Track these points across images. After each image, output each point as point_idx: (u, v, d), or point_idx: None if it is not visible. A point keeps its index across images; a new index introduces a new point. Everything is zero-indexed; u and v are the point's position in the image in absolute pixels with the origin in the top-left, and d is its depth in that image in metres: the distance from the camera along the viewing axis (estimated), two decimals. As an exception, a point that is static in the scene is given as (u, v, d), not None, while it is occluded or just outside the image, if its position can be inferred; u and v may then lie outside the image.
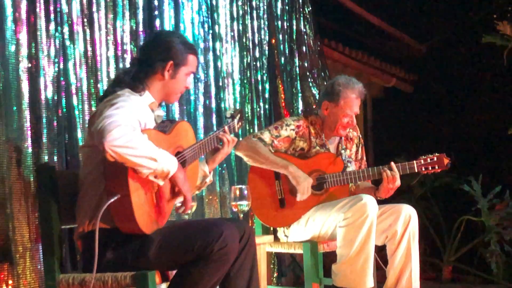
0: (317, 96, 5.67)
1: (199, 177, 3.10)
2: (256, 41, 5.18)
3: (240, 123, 3.22)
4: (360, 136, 4.14)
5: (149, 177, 2.56)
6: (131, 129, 2.48)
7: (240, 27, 5.01)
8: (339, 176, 3.78)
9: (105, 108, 2.57)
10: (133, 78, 2.81)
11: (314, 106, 5.57)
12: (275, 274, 4.97)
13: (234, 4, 4.94)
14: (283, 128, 3.86)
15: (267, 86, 5.28)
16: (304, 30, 5.73)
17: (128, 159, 2.46)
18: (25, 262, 3.23)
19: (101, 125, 2.44)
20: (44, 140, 3.39)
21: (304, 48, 5.70)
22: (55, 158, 3.43)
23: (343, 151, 3.98)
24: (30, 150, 3.31)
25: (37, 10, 3.41)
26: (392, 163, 3.72)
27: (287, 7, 5.57)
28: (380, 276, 3.81)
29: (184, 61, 2.86)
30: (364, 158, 4.13)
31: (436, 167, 3.73)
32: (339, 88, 3.86)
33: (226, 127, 3.11)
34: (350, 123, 3.89)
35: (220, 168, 4.63)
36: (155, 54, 2.85)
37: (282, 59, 5.47)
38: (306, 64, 5.68)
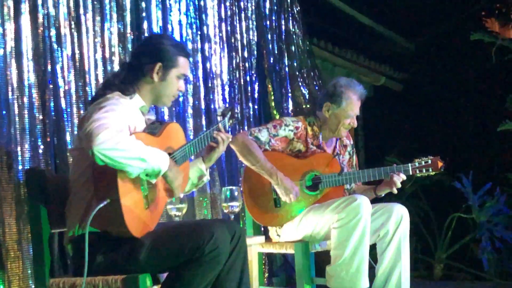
0: (307, 96, 5.67)
1: (195, 176, 3.10)
2: (245, 42, 5.18)
3: (231, 121, 3.20)
4: (353, 144, 4.15)
5: (140, 176, 2.56)
6: (119, 131, 2.47)
7: (229, 28, 5.01)
8: (334, 177, 3.79)
9: (94, 111, 2.56)
10: (123, 82, 2.80)
11: (304, 106, 5.57)
12: (266, 275, 4.97)
13: (222, 5, 4.94)
14: (282, 128, 3.85)
15: (256, 86, 5.28)
16: (293, 29, 5.73)
17: (117, 162, 2.45)
18: (16, 266, 3.22)
19: (89, 128, 2.44)
20: (33, 144, 3.38)
21: (293, 48, 5.70)
22: (44, 162, 3.42)
23: (337, 156, 3.99)
24: (19, 154, 3.30)
25: (24, 13, 3.41)
26: (402, 174, 3.76)
27: (275, 7, 5.57)
28: (370, 274, 3.81)
29: (173, 63, 2.85)
30: (358, 165, 4.15)
31: (430, 170, 3.79)
32: (341, 90, 3.86)
33: (220, 125, 3.08)
34: (351, 124, 3.90)
35: (210, 170, 4.62)
36: (144, 57, 2.84)
37: (271, 59, 5.47)
38: (295, 64, 5.68)
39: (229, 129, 3.22)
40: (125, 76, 2.82)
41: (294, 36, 5.74)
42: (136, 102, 2.82)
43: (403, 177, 3.76)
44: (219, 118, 3.16)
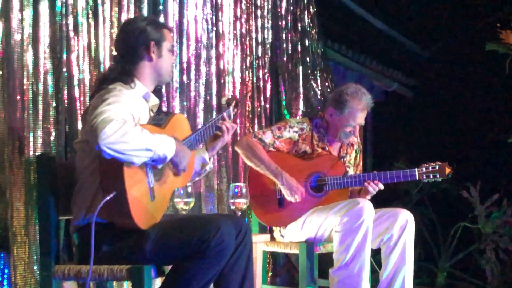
0: (319, 97, 5.68)
1: (198, 165, 3.10)
2: (259, 40, 5.18)
3: (235, 110, 3.20)
4: (360, 142, 4.14)
5: (147, 162, 2.56)
6: (123, 122, 2.46)
7: (244, 26, 5.01)
8: (339, 179, 3.78)
9: (97, 104, 2.55)
10: (121, 73, 2.79)
11: (319, 108, 5.57)
12: (269, 274, 4.97)
13: (239, 3, 4.95)
14: (286, 129, 3.86)
15: (268, 85, 5.28)
16: (308, 30, 5.73)
17: (124, 154, 2.45)
18: (22, 251, 3.24)
19: (94, 122, 2.43)
20: (46, 130, 3.39)
21: (307, 48, 5.70)
22: (55, 149, 3.43)
23: (343, 158, 3.98)
24: (31, 140, 3.31)
25: (43, 0, 3.42)
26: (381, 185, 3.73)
27: (291, 8, 5.57)
28: (373, 279, 3.81)
29: (162, 37, 2.85)
30: (361, 164, 4.13)
31: (437, 176, 3.73)
32: (346, 98, 3.84)
33: (224, 115, 3.08)
34: (352, 132, 3.89)
35: (218, 166, 4.63)
36: (134, 41, 2.82)
37: (285, 58, 5.47)
38: (308, 65, 5.68)
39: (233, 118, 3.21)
40: (122, 67, 2.81)
41: (308, 37, 5.74)
42: (138, 90, 2.81)
43: (380, 187, 3.74)
44: (224, 107, 3.16)
